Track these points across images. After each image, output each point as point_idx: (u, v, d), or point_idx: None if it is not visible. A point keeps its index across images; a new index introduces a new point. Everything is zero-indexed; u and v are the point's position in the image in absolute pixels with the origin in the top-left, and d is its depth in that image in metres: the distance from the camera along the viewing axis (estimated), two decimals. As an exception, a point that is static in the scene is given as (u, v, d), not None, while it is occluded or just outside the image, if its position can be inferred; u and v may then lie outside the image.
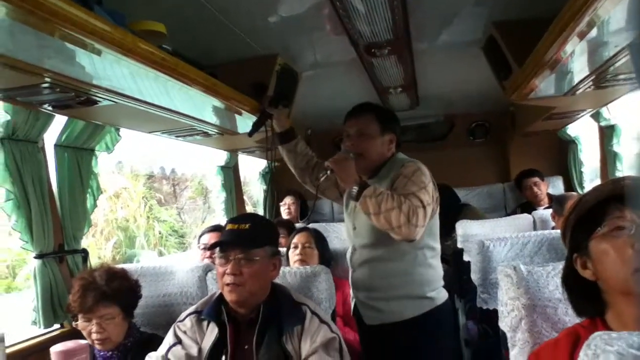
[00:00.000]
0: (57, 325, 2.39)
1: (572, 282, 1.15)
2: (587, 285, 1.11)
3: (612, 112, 3.84)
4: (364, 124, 2.11)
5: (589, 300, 1.12)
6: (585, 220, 1.11)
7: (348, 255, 2.26)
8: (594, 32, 1.65)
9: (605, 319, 1.08)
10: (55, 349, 1.55)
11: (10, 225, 2.21)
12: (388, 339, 2.08)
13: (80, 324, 1.84)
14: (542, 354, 1.12)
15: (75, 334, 2.01)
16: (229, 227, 1.70)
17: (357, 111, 2.17)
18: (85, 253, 2.52)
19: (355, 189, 1.92)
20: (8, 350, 1.77)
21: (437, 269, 2.14)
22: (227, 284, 1.61)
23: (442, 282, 2.16)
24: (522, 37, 2.31)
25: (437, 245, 2.15)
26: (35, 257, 2.27)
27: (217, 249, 1.67)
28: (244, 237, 1.65)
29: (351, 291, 2.25)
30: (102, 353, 1.86)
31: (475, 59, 2.89)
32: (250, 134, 2.41)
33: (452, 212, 3.84)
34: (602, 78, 2.33)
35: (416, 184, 1.92)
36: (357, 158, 2.04)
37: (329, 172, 2.00)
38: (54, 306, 2.30)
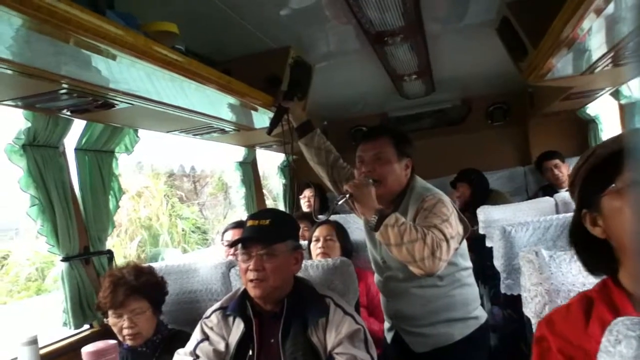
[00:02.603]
0: (86, 326, 2.44)
1: (581, 239, 1.07)
2: (596, 242, 1.02)
3: (633, 89, 3.75)
4: (380, 149, 1.99)
5: (599, 258, 1.04)
6: (597, 173, 1.01)
7: (377, 283, 2.21)
8: (610, 8, 1.61)
9: (618, 278, 1.00)
10: (86, 350, 1.59)
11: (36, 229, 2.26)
12: None
13: (111, 320, 1.90)
14: (555, 319, 1.05)
15: (104, 334, 2.06)
16: (249, 223, 1.71)
17: (372, 135, 2.06)
18: (110, 254, 2.57)
19: (374, 217, 1.80)
20: (41, 352, 1.81)
21: (474, 287, 2.10)
22: (251, 280, 1.63)
23: (480, 300, 2.13)
24: (537, 16, 2.25)
25: (470, 264, 2.10)
26: (61, 260, 2.31)
27: (239, 246, 1.69)
28: (265, 233, 1.66)
29: (386, 320, 2.21)
30: (131, 350, 1.91)
31: (490, 41, 2.82)
32: (269, 131, 2.39)
33: (481, 197, 3.84)
34: (621, 55, 2.28)
35: (438, 216, 1.82)
36: (375, 185, 1.92)
37: (347, 196, 1.87)
38: (82, 307, 2.35)
